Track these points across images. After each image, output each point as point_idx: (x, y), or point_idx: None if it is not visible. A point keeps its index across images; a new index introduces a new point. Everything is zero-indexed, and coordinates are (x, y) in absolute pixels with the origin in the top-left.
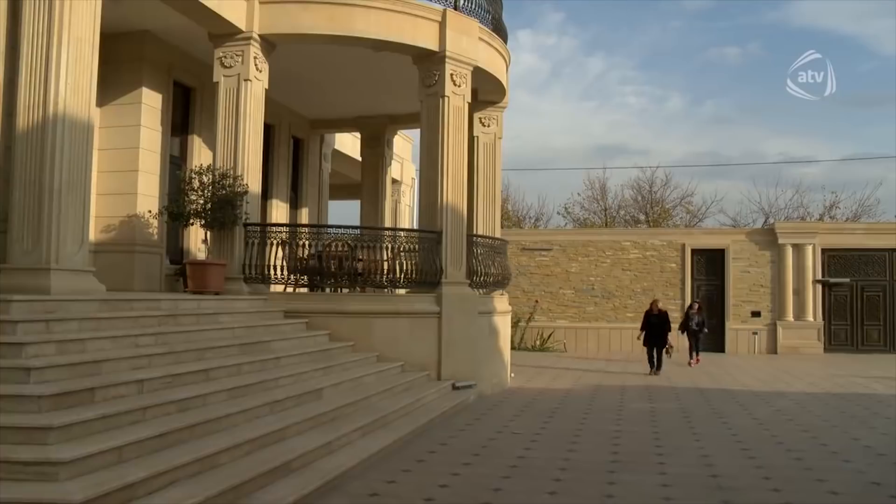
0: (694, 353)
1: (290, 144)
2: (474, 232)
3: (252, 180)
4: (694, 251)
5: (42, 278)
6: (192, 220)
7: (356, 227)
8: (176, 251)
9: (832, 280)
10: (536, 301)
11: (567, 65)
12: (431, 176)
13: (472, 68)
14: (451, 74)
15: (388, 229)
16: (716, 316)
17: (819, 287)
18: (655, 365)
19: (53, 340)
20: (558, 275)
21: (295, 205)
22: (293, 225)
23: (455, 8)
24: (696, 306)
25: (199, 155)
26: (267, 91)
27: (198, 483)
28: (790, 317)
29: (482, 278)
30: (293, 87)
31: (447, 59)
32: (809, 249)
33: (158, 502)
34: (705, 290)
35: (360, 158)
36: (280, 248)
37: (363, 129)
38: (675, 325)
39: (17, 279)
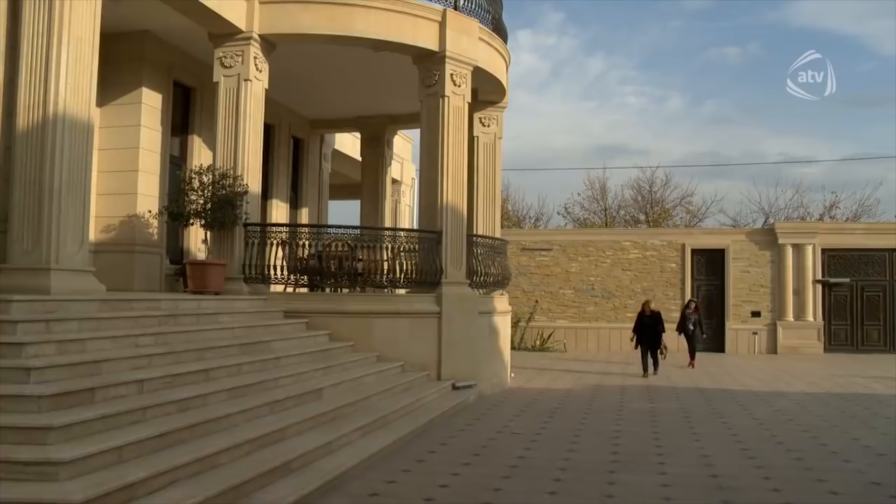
0: (693, 355)
1: (290, 144)
2: (474, 232)
3: (252, 180)
4: (694, 251)
5: (42, 278)
6: (192, 220)
7: (356, 227)
8: (176, 251)
9: (832, 280)
10: (536, 301)
11: (567, 65)
12: (431, 176)
13: (472, 68)
14: (451, 74)
15: (388, 229)
16: (716, 316)
17: (819, 287)
18: (651, 366)
19: (53, 340)
20: (558, 275)
21: (295, 205)
22: (293, 225)
23: (455, 8)
24: (693, 305)
25: (199, 155)
26: (267, 91)
27: (198, 483)
28: (790, 317)
29: (482, 278)
30: (293, 87)
31: (447, 59)
32: (809, 249)
33: (158, 502)
34: (705, 290)
35: (360, 158)
36: (280, 248)
37: (363, 129)
38: (671, 326)
39: (18, 279)
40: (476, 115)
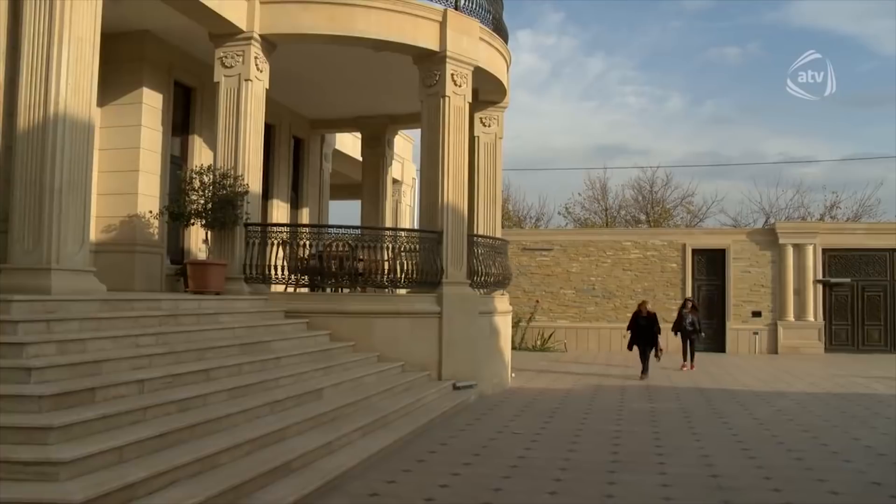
0: (687, 358)
1: (291, 144)
2: (475, 232)
3: (253, 180)
4: (695, 251)
5: (43, 278)
6: (192, 220)
7: (357, 227)
8: (176, 251)
9: (833, 280)
10: (537, 301)
11: (567, 65)
12: (432, 176)
13: (472, 68)
14: (452, 74)
15: (388, 229)
16: (716, 316)
17: (820, 287)
18: (645, 367)
19: (54, 340)
20: (559, 275)
21: (295, 205)
22: (294, 225)
23: (456, 8)
24: (690, 305)
25: (200, 155)
26: (267, 91)
27: (198, 483)
28: (791, 317)
29: (483, 278)
30: (294, 87)
31: (448, 60)
32: (810, 249)
33: (159, 502)
34: (706, 290)
35: (360, 158)
36: (281, 248)
37: (364, 129)
38: (669, 327)
39: (18, 279)
40: (477, 115)
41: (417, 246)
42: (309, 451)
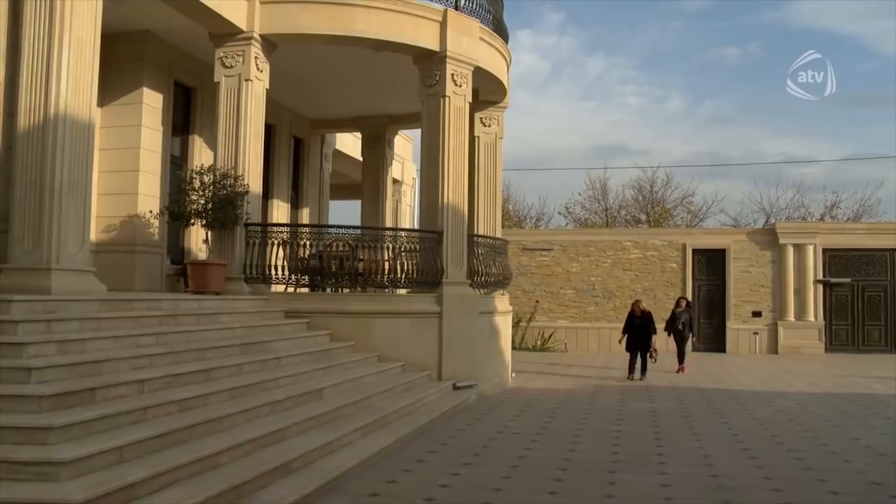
0: (682, 359)
1: (291, 144)
2: (475, 232)
3: (253, 180)
4: (695, 251)
5: (43, 278)
6: (192, 220)
7: (357, 227)
8: (177, 251)
9: (833, 280)
10: (537, 301)
11: (567, 65)
12: (432, 176)
13: (472, 68)
14: (452, 74)
15: (388, 229)
16: (717, 316)
17: (820, 287)
18: (640, 369)
19: (54, 340)
20: (559, 275)
21: (296, 205)
22: (294, 225)
23: (456, 8)
24: (684, 303)
25: (200, 155)
26: (268, 91)
27: (198, 483)
28: (791, 317)
29: (483, 278)
30: (294, 87)
31: (448, 60)
32: (810, 249)
33: (159, 502)
34: (706, 290)
35: (360, 158)
36: (281, 248)
37: (364, 129)
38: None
39: (18, 279)
40: (477, 115)
41: (417, 246)
42: (309, 451)
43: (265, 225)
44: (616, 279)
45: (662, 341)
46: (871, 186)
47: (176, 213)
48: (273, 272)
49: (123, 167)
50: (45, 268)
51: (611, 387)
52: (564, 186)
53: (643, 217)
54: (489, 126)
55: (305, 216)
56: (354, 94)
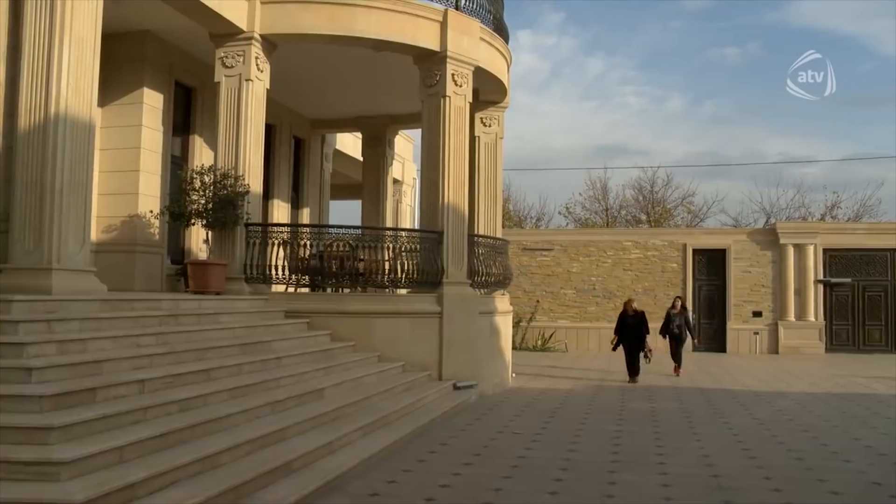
0: (678, 361)
1: (292, 144)
2: (475, 232)
3: (253, 180)
4: (695, 251)
5: (43, 278)
6: (193, 220)
7: (357, 227)
8: (177, 251)
9: (833, 280)
10: (537, 301)
11: (567, 65)
12: (432, 176)
13: (473, 68)
14: (453, 74)
15: (389, 229)
16: (717, 316)
17: (820, 287)
18: (634, 371)
19: (54, 340)
20: (559, 275)
21: (296, 205)
22: (294, 225)
23: (456, 8)
24: (679, 304)
25: (201, 155)
26: (268, 91)
27: (199, 483)
28: (791, 317)
29: (483, 278)
30: (294, 87)
31: (448, 60)
32: (811, 249)
33: (159, 502)
34: (707, 290)
35: (361, 158)
36: (281, 248)
37: (364, 129)
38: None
39: (19, 279)
40: (477, 115)
41: (418, 246)
42: (309, 451)
43: (266, 225)
44: (616, 279)
45: (658, 343)
46: (871, 186)
47: (176, 213)
48: (273, 272)
49: (124, 167)
50: (45, 268)
51: (611, 387)
52: (565, 186)
53: (643, 217)
54: (489, 126)
55: (306, 216)
56: (355, 94)
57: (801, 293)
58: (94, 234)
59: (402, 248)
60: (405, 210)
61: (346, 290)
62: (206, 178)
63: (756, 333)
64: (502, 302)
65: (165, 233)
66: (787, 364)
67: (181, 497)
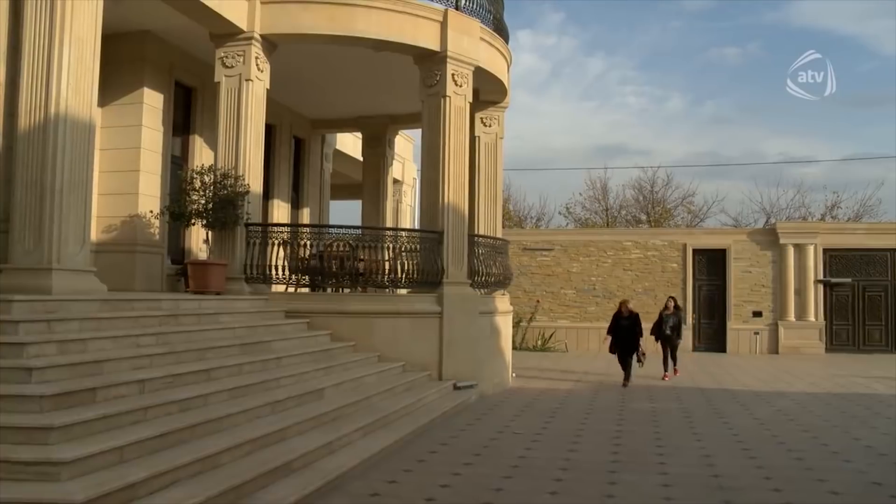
0: (670, 364)
1: (292, 144)
2: (475, 232)
3: (253, 180)
4: (695, 251)
5: (43, 278)
6: (193, 220)
7: (357, 227)
8: (177, 251)
9: (833, 280)
10: (538, 301)
11: (567, 65)
12: (433, 176)
13: (473, 68)
14: (453, 74)
15: (389, 229)
16: (717, 316)
17: (820, 287)
18: (627, 374)
19: (55, 340)
20: (559, 275)
21: (296, 205)
22: (294, 225)
23: (456, 8)
24: (672, 305)
25: (201, 155)
26: (268, 91)
27: (199, 483)
28: (791, 317)
29: (483, 278)
30: (294, 87)
31: (448, 60)
32: (811, 249)
33: (160, 502)
34: (707, 290)
35: (361, 158)
36: (281, 248)
37: (364, 129)
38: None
39: (19, 279)
40: (477, 115)
41: (418, 246)
42: (310, 451)
43: (266, 225)
44: (617, 279)
45: (651, 345)
46: (871, 186)
47: (176, 213)
48: (273, 272)
49: (124, 167)
50: (45, 268)
51: (611, 387)
52: (565, 186)
53: (644, 217)
54: (490, 126)
55: (306, 216)
56: (355, 94)
57: (801, 293)
58: (94, 234)
59: (403, 248)
60: (405, 210)
61: (347, 290)
62: (207, 178)
63: (756, 333)
64: (502, 302)
65: (165, 233)
66: (787, 364)
67: (181, 497)
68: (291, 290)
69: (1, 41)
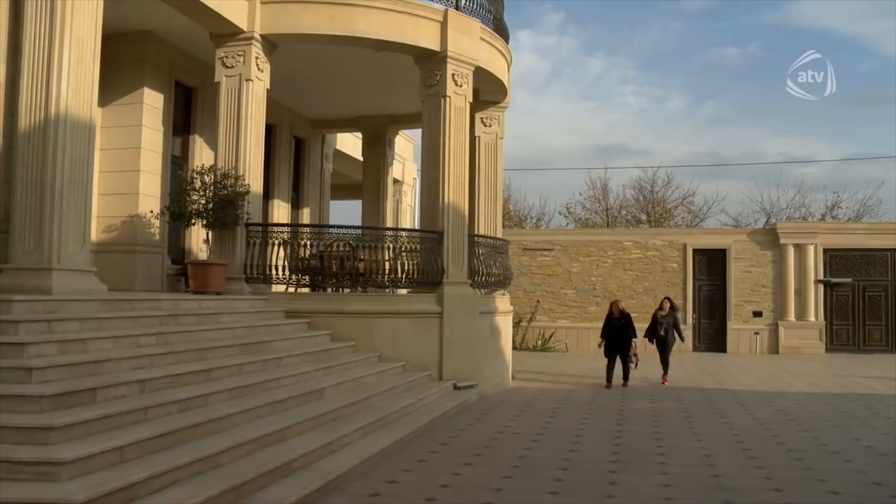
0: (666, 368)
1: (292, 144)
2: (476, 232)
3: (253, 180)
4: (695, 251)
5: (44, 278)
6: (193, 220)
7: (357, 227)
8: (177, 251)
9: (834, 280)
10: (538, 301)
11: (567, 65)
12: (433, 176)
13: (473, 68)
14: (453, 74)
15: (389, 229)
16: (717, 316)
17: (821, 287)
18: (622, 375)
19: (55, 340)
20: (560, 275)
21: (296, 205)
22: (295, 225)
23: (456, 8)
24: (667, 306)
25: (201, 155)
26: (268, 91)
27: (199, 483)
28: (792, 317)
29: (484, 278)
30: (294, 87)
31: (448, 60)
32: (811, 249)
33: (160, 502)
34: (707, 290)
35: (361, 158)
36: (282, 248)
37: (364, 129)
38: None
39: (19, 279)
40: (477, 115)
41: (418, 246)
42: (310, 451)
43: (266, 225)
44: (617, 279)
45: (646, 348)
46: (871, 186)
47: (177, 213)
48: (274, 272)
49: (124, 167)
50: (45, 268)
51: (611, 386)
52: (565, 186)
53: (644, 217)
54: (490, 126)
55: (306, 216)
56: (355, 94)
57: (801, 293)
58: (95, 234)
59: (403, 248)
60: (405, 210)
61: (347, 290)
62: (207, 178)
63: (756, 333)
64: (502, 302)
65: (166, 233)
66: (788, 364)
67: (181, 497)
68: (291, 290)
69: (1, 41)
